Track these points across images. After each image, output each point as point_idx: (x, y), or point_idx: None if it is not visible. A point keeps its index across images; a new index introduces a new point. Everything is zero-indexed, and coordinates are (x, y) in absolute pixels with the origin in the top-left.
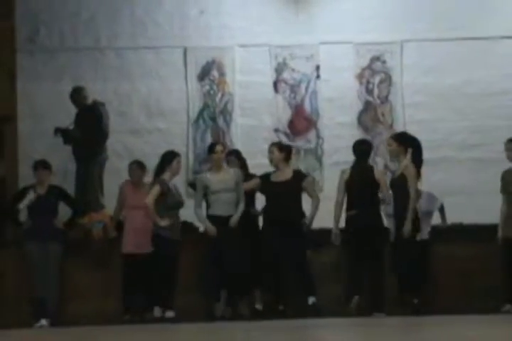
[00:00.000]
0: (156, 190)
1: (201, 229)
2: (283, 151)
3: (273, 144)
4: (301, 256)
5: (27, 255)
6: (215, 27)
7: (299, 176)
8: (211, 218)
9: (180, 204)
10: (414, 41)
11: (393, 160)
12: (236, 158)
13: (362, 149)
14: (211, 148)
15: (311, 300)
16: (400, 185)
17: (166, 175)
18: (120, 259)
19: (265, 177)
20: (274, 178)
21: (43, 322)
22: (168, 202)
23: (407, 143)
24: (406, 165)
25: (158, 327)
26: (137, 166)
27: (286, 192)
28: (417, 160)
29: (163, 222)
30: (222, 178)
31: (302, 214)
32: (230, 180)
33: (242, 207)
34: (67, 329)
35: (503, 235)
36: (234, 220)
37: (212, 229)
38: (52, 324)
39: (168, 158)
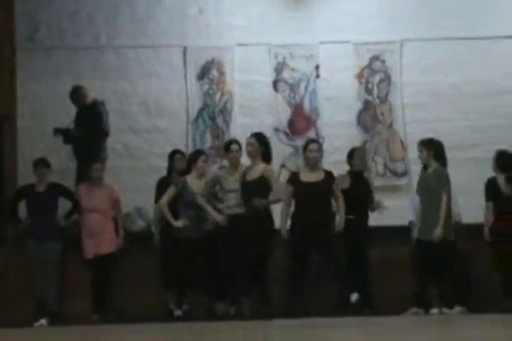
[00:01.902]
0: (172, 190)
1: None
2: (263, 144)
3: (253, 136)
4: (334, 258)
5: (26, 253)
6: (214, 26)
7: (330, 177)
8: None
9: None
10: (414, 41)
11: (393, 160)
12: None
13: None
14: (227, 147)
15: (354, 297)
16: (433, 187)
17: (192, 175)
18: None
19: (294, 177)
20: (305, 179)
21: (43, 321)
22: (185, 201)
23: (433, 147)
24: (436, 168)
25: (157, 326)
26: (102, 167)
27: (318, 193)
28: (444, 163)
29: (178, 223)
30: (237, 178)
31: (333, 216)
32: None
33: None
34: (66, 328)
35: (419, 237)
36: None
37: (220, 218)
38: (52, 323)
39: (193, 157)
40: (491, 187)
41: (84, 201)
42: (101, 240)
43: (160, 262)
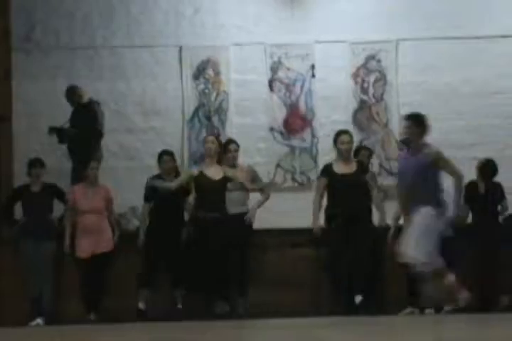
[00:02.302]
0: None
1: None
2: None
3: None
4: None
5: (22, 253)
6: (210, 26)
7: (364, 168)
8: None
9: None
10: (410, 40)
11: (389, 159)
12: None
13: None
14: (225, 147)
15: (359, 298)
16: None
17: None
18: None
19: (327, 168)
20: (338, 170)
21: (39, 320)
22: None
23: None
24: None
25: (155, 325)
26: (98, 166)
27: (353, 185)
28: None
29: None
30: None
31: (369, 209)
32: (241, 179)
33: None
34: (62, 328)
35: None
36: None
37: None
38: (48, 322)
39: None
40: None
41: (82, 201)
42: (99, 239)
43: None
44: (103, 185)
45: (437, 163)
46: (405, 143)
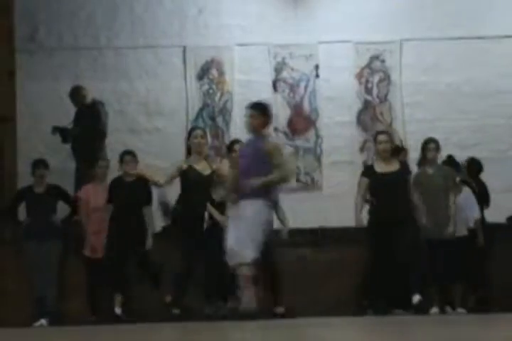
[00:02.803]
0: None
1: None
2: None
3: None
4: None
5: (26, 254)
6: (214, 26)
7: (405, 168)
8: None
9: None
10: (414, 40)
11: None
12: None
13: None
14: (230, 147)
15: (417, 298)
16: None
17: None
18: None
19: (369, 169)
20: (379, 169)
21: (42, 321)
22: None
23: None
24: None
25: (154, 326)
26: (106, 164)
27: (395, 184)
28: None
29: None
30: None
31: (412, 209)
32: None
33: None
34: (66, 329)
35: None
36: None
37: (221, 218)
38: (52, 323)
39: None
40: None
41: (92, 200)
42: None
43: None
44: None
45: (271, 155)
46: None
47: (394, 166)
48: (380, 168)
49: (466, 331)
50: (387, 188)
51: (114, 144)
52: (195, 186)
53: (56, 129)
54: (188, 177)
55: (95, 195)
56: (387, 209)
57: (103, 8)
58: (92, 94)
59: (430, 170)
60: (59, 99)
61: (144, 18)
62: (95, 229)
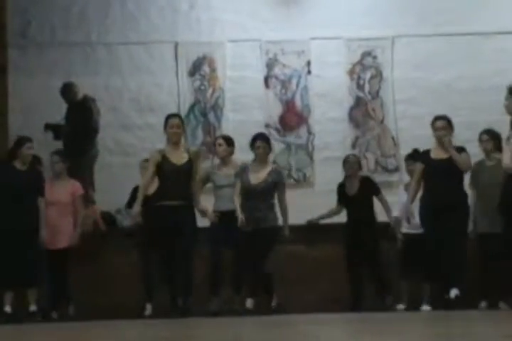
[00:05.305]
0: None
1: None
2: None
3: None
4: (460, 245)
5: None
6: (205, 22)
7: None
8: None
9: None
10: (405, 36)
11: (385, 156)
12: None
13: None
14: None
15: (454, 292)
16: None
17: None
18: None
19: (424, 154)
20: (435, 156)
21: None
22: None
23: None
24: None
25: (151, 322)
26: (61, 160)
27: (450, 170)
28: None
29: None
30: (227, 173)
31: (466, 196)
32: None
33: None
34: (58, 325)
35: (478, 231)
36: None
37: (211, 216)
38: (7, 322)
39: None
40: None
41: (47, 194)
42: (57, 234)
43: None
44: (73, 181)
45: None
46: None
47: (448, 153)
48: (436, 154)
49: (460, 326)
50: (440, 175)
51: (105, 140)
52: (170, 176)
53: (48, 126)
54: (162, 168)
55: (50, 189)
56: (440, 195)
57: (95, 3)
58: (83, 90)
59: (489, 162)
60: (51, 95)
61: (136, 14)
62: (48, 223)
